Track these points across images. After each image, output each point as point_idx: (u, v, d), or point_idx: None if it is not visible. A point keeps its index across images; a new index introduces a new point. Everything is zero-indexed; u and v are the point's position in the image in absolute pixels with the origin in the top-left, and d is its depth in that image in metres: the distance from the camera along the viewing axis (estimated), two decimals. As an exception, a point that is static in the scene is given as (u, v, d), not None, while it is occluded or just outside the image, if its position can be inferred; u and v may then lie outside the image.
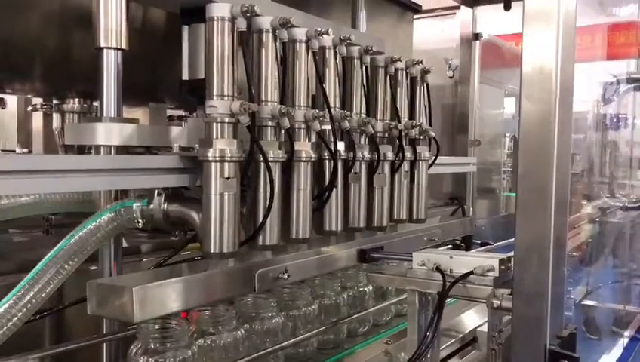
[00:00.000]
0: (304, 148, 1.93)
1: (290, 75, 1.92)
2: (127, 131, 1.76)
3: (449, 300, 2.25)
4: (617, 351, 3.50)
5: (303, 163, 1.93)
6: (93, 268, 1.82)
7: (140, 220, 1.72)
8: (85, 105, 2.48)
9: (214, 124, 1.70)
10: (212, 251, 1.68)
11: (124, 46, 1.76)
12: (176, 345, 1.56)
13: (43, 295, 1.52)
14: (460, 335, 2.40)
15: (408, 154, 2.46)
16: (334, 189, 2.06)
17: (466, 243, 3.29)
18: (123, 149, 1.77)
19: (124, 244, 1.92)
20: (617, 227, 4.95)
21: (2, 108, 2.63)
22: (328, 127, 2.00)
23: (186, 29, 1.94)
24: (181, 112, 3.05)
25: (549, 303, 1.53)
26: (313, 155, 1.95)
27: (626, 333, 3.91)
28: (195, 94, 1.87)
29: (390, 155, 2.36)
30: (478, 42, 4.22)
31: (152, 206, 1.74)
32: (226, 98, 1.69)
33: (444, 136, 4.19)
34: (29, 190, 1.47)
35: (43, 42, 2.08)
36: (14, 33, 1.98)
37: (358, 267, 2.26)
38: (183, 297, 1.51)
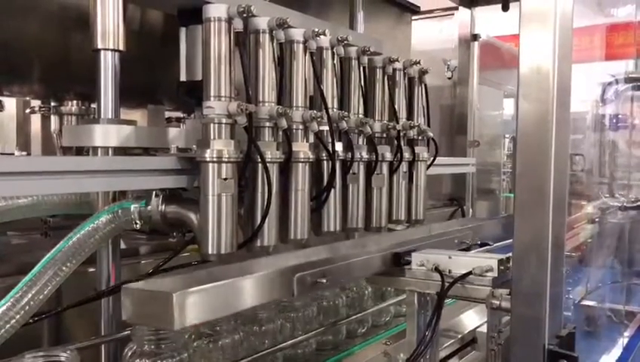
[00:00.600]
0: (302, 148, 1.93)
1: (287, 75, 1.92)
2: (125, 132, 1.76)
3: (448, 301, 2.25)
4: (617, 350, 3.50)
5: (300, 163, 1.93)
6: (92, 269, 1.83)
7: (137, 221, 1.72)
8: (83, 107, 2.48)
9: (212, 125, 1.70)
10: (210, 252, 1.68)
11: (121, 47, 1.76)
12: (171, 347, 1.55)
13: (41, 297, 1.52)
14: (460, 336, 2.40)
15: (407, 155, 2.46)
16: (332, 190, 2.06)
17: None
18: (121, 151, 1.77)
19: (122, 246, 1.92)
20: (617, 227, 4.95)
21: (0, 111, 2.63)
22: (326, 127, 2.00)
23: (183, 31, 1.94)
24: (179, 114, 3.05)
25: (547, 303, 1.52)
26: (311, 156, 1.95)
27: (626, 333, 3.91)
28: (193, 95, 1.88)
29: (388, 156, 2.36)
30: (476, 43, 4.22)
31: (149, 207, 1.74)
32: (223, 99, 1.69)
33: (443, 137, 4.19)
34: (26, 191, 1.47)
35: (41, 44, 2.07)
36: (12, 35, 1.98)
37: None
38: (224, 302, 1.42)
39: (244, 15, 1.72)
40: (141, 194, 1.77)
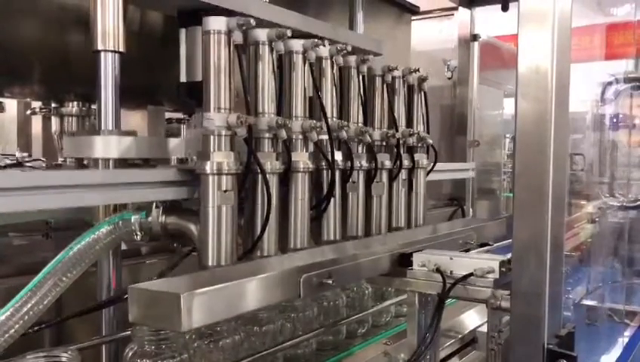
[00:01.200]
0: (301, 158, 1.94)
1: (287, 86, 1.93)
2: (125, 144, 1.76)
3: (448, 301, 2.25)
4: (617, 350, 3.51)
5: (300, 173, 1.94)
6: (93, 269, 1.83)
7: (138, 233, 1.73)
8: (84, 108, 2.48)
9: (211, 137, 1.71)
10: (210, 264, 1.69)
11: (121, 49, 1.77)
12: (172, 347, 1.56)
13: (41, 307, 1.51)
14: (460, 336, 2.40)
15: (406, 162, 2.47)
16: (332, 199, 2.07)
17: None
18: (121, 161, 1.77)
19: (123, 247, 1.93)
20: (617, 227, 4.95)
21: (1, 112, 2.63)
22: (326, 136, 2.01)
23: (183, 32, 1.95)
24: (180, 115, 3.06)
25: (546, 303, 1.52)
26: (310, 166, 1.97)
27: (626, 333, 3.92)
28: (193, 96, 1.88)
29: (388, 164, 2.37)
30: (476, 43, 4.23)
31: (150, 218, 1.75)
32: (222, 110, 1.70)
33: (443, 138, 4.19)
34: (27, 207, 1.44)
35: (42, 46, 2.08)
36: (13, 37, 1.98)
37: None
38: (231, 304, 1.40)
39: (244, 28, 1.72)
40: (142, 205, 1.78)
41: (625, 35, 5.66)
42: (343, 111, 2.20)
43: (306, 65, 1.95)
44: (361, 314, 2.27)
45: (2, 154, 3.03)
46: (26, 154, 2.90)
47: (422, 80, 2.55)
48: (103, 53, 1.75)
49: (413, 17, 3.78)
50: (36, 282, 1.52)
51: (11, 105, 3.00)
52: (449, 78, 4.22)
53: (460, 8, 4.20)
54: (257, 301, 1.46)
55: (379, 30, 3.30)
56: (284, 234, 1.93)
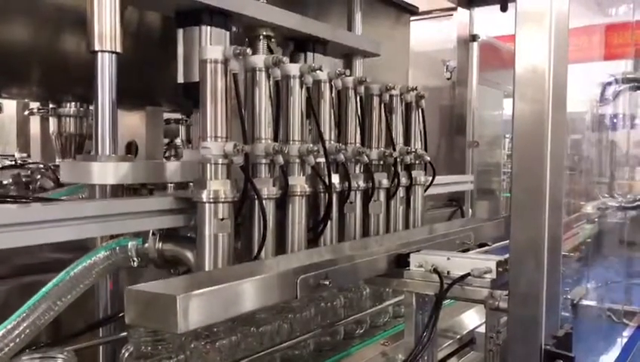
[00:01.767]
0: (299, 182, 1.95)
1: (284, 110, 1.93)
2: (123, 170, 1.77)
3: (446, 301, 2.25)
4: (616, 350, 3.51)
5: (297, 197, 1.94)
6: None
7: (134, 259, 1.74)
8: (82, 108, 2.49)
9: (208, 165, 1.70)
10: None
11: (118, 49, 1.77)
12: (169, 348, 1.56)
13: (34, 329, 1.50)
14: (458, 337, 2.40)
15: (404, 180, 2.46)
16: (329, 221, 2.08)
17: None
18: (119, 187, 1.79)
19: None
20: (616, 227, 4.95)
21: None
22: (323, 159, 2.01)
23: (180, 32, 1.95)
24: (178, 115, 3.06)
25: (544, 303, 1.52)
26: (308, 189, 1.97)
27: (625, 333, 3.92)
28: (191, 97, 1.88)
29: (385, 183, 2.37)
30: (475, 43, 4.23)
31: (147, 245, 1.76)
32: (219, 139, 1.70)
33: (442, 138, 4.19)
34: (24, 242, 1.44)
35: (39, 46, 2.08)
36: (10, 38, 1.98)
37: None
38: (228, 305, 1.40)
39: (240, 57, 1.72)
40: (139, 232, 1.78)
41: (623, 35, 5.67)
42: (340, 132, 2.19)
43: (303, 89, 1.95)
44: (359, 315, 2.27)
45: (2, 155, 3.03)
46: (25, 154, 2.91)
47: (419, 97, 2.55)
48: (100, 54, 1.76)
49: (412, 18, 3.77)
50: (30, 305, 1.50)
51: (11, 106, 3.00)
52: (448, 79, 4.22)
53: (459, 9, 4.20)
54: (254, 302, 1.46)
55: (377, 31, 3.30)
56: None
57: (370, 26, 3.18)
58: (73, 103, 2.47)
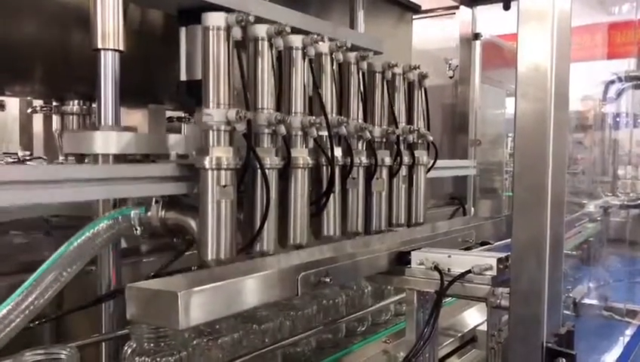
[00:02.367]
0: (301, 154, 1.94)
1: (286, 82, 1.93)
2: (125, 139, 1.77)
3: (447, 300, 2.25)
4: (618, 349, 3.51)
5: (299, 169, 1.94)
6: (92, 268, 1.84)
7: (137, 227, 1.74)
8: (85, 106, 2.49)
9: (211, 132, 1.71)
10: (209, 258, 1.69)
11: (121, 47, 1.78)
12: (171, 345, 1.56)
13: (41, 301, 1.53)
14: (459, 334, 2.40)
15: (406, 159, 2.47)
16: (332, 194, 2.07)
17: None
18: (121, 157, 1.78)
19: (124, 245, 1.93)
20: (619, 226, 4.95)
21: (2, 111, 2.64)
22: (325, 133, 2.00)
23: (183, 31, 1.95)
24: (180, 114, 3.06)
25: (545, 302, 1.52)
26: (310, 162, 1.97)
27: (627, 331, 3.91)
28: (193, 95, 1.88)
29: (388, 160, 2.37)
30: (478, 42, 4.23)
31: (149, 213, 1.76)
32: (222, 106, 1.70)
33: (444, 136, 4.20)
34: (26, 200, 1.45)
35: (42, 44, 2.08)
36: (14, 35, 1.99)
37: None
38: (229, 302, 1.41)
39: (243, 24, 1.72)
40: (141, 201, 1.78)
41: (627, 34, 5.66)
42: (342, 108, 2.19)
43: (306, 61, 1.95)
44: (360, 313, 2.28)
45: (4, 153, 3.04)
46: (28, 152, 2.91)
47: (422, 77, 2.55)
48: (102, 52, 1.76)
49: (415, 16, 3.77)
50: (37, 276, 1.53)
51: (14, 104, 3.00)
52: (451, 77, 4.22)
53: (462, 7, 4.21)
54: (255, 299, 1.46)
55: (380, 29, 3.30)
56: (284, 230, 1.93)
57: (373, 25, 3.18)
58: (76, 101, 2.48)
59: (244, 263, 1.70)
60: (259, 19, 2.14)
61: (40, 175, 1.44)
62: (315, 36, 1.95)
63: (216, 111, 1.70)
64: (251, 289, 1.45)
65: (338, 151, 2.11)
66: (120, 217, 1.71)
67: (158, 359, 1.53)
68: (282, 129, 1.83)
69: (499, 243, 2.88)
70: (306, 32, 2.30)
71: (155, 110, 2.57)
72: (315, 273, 1.60)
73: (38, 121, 2.78)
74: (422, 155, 2.55)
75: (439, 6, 4.25)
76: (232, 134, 1.74)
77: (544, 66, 1.47)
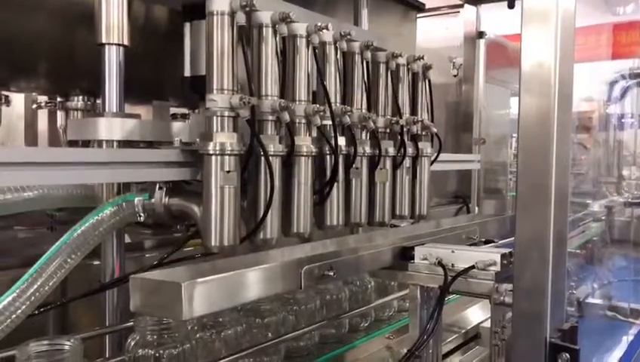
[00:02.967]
0: (305, 142, 1.94)
1: (290, 69, 1.93)
2: (129, 126, 1.78)
3: (451, 297, 2.25)
4: (622, 348, 3.50)
5: (303, 157, 1.93)
6: (96, 262, 1.84)
7: (141, 214, 1.74)
8: (89, 102, 2.50)
9: (214, 118, 1.71)
10: (212, 244, 1.69)
11: (125, 42, 1.78)
12: (174, 337, 1.57)
13: (46, 288, 1.54)
14: (463, 331, 2.40)
15: (410, 150, 2.46)
16: (335, 184, 2.06)
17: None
18: (125, 144, 1.78)
19: (127, 240, 1.94)
20: (624, 225, 4.94)
21: (7, 106, 2.65)
22: (329, 122, 2.00)
23: (187, 26, 1.96)
24: (184, 110, 3.06)
25: (549, 299, 1.52)
26: (314, 150, 1.96)
27: (631, 331, 3.91)
28: (197, 91, 1.89)
29: (392, 151, 2.36)
30: (482, 40, 4.22)
31: (153, 200, 1.76)
32: (226, 92, 1.70)
33: (448, 135, 4.19)
34: (31, 181, 1.48)
35: (47, 40, 2.09)
36: (18, 31, 1.99)
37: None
38: (232, 293, 1.41)
39: (247, 9, 1.73)
40: (145, 187, 1.78)
41: (632, 34, 5.65)
42: (346, 98, 2.19)
43: (310, 49, 1.95)
44: (364, 308, 2.28)
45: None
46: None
47: (426, 68, 2.54)
48: (107, 47, 1.77)
49: (419, 14, 3.77)
50: (41, 263, 1.54)
51: (19, 99, 3.01)
52: (455, 76, 4.22)
53: (466, 5, 4.20)
54: (258, 291, 1.47)
55: (384, 27, 3.30)
56: (287, 219, 1.93)
57: (377, 23, 3.18)
58: (81, 97, 2.48)
59: (247, 256, 1.70)
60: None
61: (45, 157, 1.45)
62: (319, 24, 1.95)
63: (220, 97, 1.70)
64: (255, 282, 1.45)
65: (342, 141, 2.11)
66: (124, 203, 1.72)
67: (162, 351, 1.54)
68: (286, 116, 1.83)
69: (502, 241, 2.88)
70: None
71: (159, 106, 2.58)
72: (319, 266, 1.60)
73: (42, 117, 2.79)
74: (426, 147, 2.54)
75: (443, 4, 4.24)
76: (236, 120, 1.74)
77: (548, 66, 1.46)
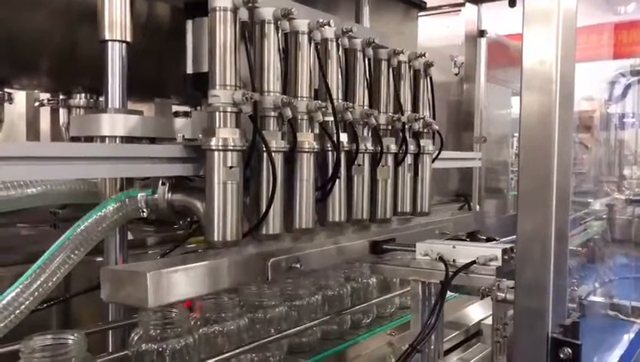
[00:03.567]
0: (307, 139, 1.94)
1: (292, 66, 1.93)
2: (132, 122, 1.79)
3: (452, 294, 2.26)
4: (623, 346, 3.50)
5: (305, 154, 1.94)
6: (99, 259, 1.85)
7: (144, 210, 1.75)
8: (92, 100, 2.50)
9: (217, 114, 1.71)
10: (215, 239, 1.69)
11: (128, 39, 1.79)
12: (177, 332, 1.58)
13: (50, 284, 1.54)
14: (465, 328, 2.41)
15: (412, 147, 2.46)
16: (337, 181, 2.07)
17: (470, 239, 3.27)
18: (128, 140, 1.79)
19: (130, 237, 1.94)
20: (625, 223, 4.95)
21: (9, 103, 2.66)
22: (331, 118, 2.01)
23: (189, 23, 1.96)
24: (187, 108, 3.07)
25: (550, 294, 1.53)
26: (316, 146, 1.96)
27: (632, 329, 3.91)
28: (199, 88, 1.89)
29: (393, 148, 2.36)
30: (483, 39, 4.22)
31: (156, 195, 1.76)
32: (228, 88, 1.71)
33: (450, 134, 4.19)
34: (32, 176, 1.49)
35: (49, 37, 2.10)
36: (21, 28, 2.00)
37: (362, 258, 2.26)
38: (197, 283, 1.51)
39: (249, 5, 1.74)
40: (148, 183, 1.79)
41: (633, 33, 5.65)
42: (348, 94, 2.19)
43: (312, 45, 1.96)
44: (365, 305, 2.29)
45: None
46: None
47: (428, 65, 2.55)
48: (110, 43, 1.78)
49: (420, 13, 3.77)
50: (45, 259, 1.55)
51: (20, 97, 3.01)
52: (456, 75, 4.22)
53: (467, 4, 4.21)
54: (224, 281, 1.57)
55: (385, 26, 3.31)
56: (289, 216, 1.94)
57: (378, 21, 3.19)
58: (83, 95, 2.49)
59: (220, 251, 1.72)
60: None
61: (47, 152, 1.45)
62: (322, 20, 1.96)
63: (223, 93, 1.70)
64: (221, 272, 1.55)
65: (344, 137, 2.11)
66: (127, 199, 1.72)
67: (165, 346, 1.55)
68: (288, 112, 1.83)
69: (504, 239, 2.89)
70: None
71: (161, 104, 2.59)
72: (286, 259, 1.71)
73: (45, 115, 2.80)
74: (427, 144, 2.55)
75: (445, 3, 4.25)
76: (239, 116, 1.74)
77: (549, 65, 1.47)
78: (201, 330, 1.68)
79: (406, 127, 2.41)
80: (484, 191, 4.37)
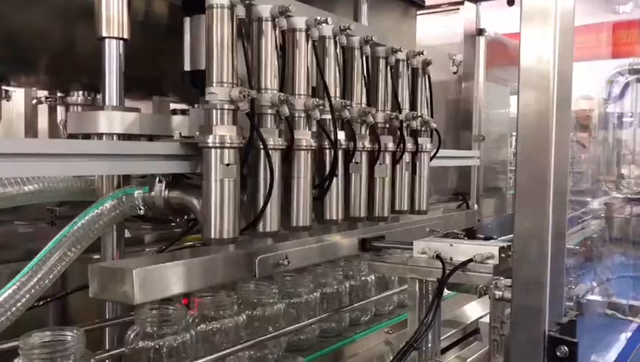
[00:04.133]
0: (304, 136, 1.94)
1: (289, 63, 1.94)
2: (129, 119, 1.79)
3: (450, 293, 2.26)
4: (620, 345, 3.51)
5: (302, 151, 1.94)
6: (96, 256, 1.85)
7: (141, 207, 1.75)
8: (89, 97, 2.50)
9: (214, 111, 1.71)
10: (212, 237, 1.70)
11: (125, 36, 1.79)
12: (174, 329, 1.58)
13: (46, 281, 1.54)
14: (462, 326, 2.41)
15: (409, 146, 2.47)
16: (335, 179, 2.07)
17: (469, 238, 3.28)
18: (125, 138, 1.79)
19: (127, 235, 1.94)
20: (623, 222, 4.95)
21: (7, 101, 2.66)
22: (328, 116, 2.01)
23: (187, 21, 1.96)
24: (184, 106, 3.06)
25: (547, 292, 1.53)
26: (313, 144, 1.96)
27: (631, 327, 3.91)
28: (197, 85, 1.89)
29: (391, 146, 2.37)
30: (482, 38, 4.22)
31: (153, 193, 1.77)
32: (225, 85, 1.71)
33: (448, 132, 4.19)
34: (31, 173, 1.49)
35: (47, 35, 2.10)
36: (19, 26, 2.00)
37: (360, 256, 2.26)
38: (183, 280, 1.53)
39: (247, 2, 1.74)
40: (145, 181, 1.79)
41: (632, 33, 5.65)
42: (346, 92, 2.19)
43: (309, 43, 1.96)
44: (364, 302, 2.29)
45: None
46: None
47: (426, 63, 2.55)
48: (107, 40, 1.78)
49: (419, 12, 3.77)
50: (42, 256, 1.55)
51: (19, 94, 3.01)
52: (454, 73, 4.22)
53: (466, 3, 4.20)
54: (212, 278, 1.59)
55: (384, 24, 3.31)
56: (287, 213, 1.94)
57: (377, 19, 3.18)
58: (81, 92, 2.49)
59: (211, 247, 1.73)
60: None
61: (45, 148, 1.45)
62: (319, 17, 1.96)
63: (220, 90, 1.70)
64: (208, 269, 1.57)
65: (341, 135, 2.11)
66: (124, 196, 1.73)
67: (161, 343, 1.55)
68: (285, 109, 1.83)
69: (502, 238, 2.89)
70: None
71: (159, 102, 2.59)
72: (274, 256, 1.74)
73: (43, 113, 2.80)
74: (425, 142, 2.55)
75: (443, 2, 4.24)
76: (236, 114, 1.74)
77: (547, 63, 1.47)
78: (198, 328, 1.68)
79: (404, 125, 2.41)
80: (483, 190, 4.36)
